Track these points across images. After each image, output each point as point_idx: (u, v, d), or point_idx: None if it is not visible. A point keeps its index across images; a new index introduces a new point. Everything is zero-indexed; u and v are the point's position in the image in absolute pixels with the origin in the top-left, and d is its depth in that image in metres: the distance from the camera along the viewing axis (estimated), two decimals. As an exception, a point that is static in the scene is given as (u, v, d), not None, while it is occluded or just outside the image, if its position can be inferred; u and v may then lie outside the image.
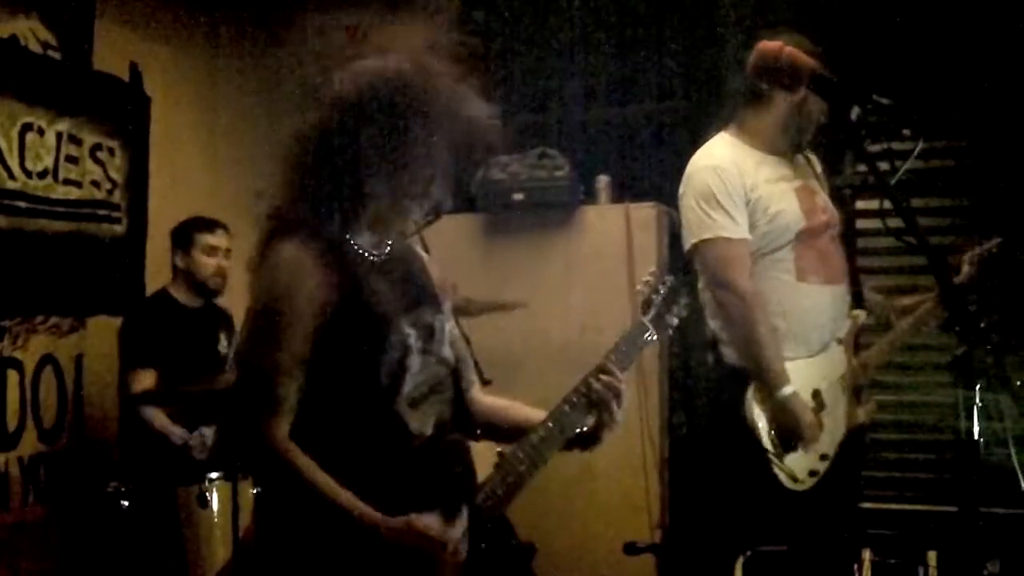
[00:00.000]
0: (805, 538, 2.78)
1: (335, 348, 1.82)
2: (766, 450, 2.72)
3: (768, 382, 2.76)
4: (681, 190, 2.95)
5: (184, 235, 3.87)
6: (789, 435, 2.76)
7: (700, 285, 2.91)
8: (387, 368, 1.84)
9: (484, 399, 2.11)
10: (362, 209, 1.88)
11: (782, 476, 2.75)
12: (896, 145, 2.14)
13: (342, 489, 1.79)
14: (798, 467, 2.77)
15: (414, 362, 1.88)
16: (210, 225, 3.87)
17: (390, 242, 1.95)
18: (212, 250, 3.84)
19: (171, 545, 3.23)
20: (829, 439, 2.83)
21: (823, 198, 2.99)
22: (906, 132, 2.09)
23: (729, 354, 2.88)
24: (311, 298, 1.81)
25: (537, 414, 2.04)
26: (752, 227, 2.84)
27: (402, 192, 1.88)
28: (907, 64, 4.00)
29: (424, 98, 1.84)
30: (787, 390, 2.75)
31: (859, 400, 2.97)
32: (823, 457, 2.82)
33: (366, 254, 1.91)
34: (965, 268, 2.98)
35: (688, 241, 2.91)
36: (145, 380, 3.66)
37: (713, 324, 2.94)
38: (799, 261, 2.86)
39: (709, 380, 2.98)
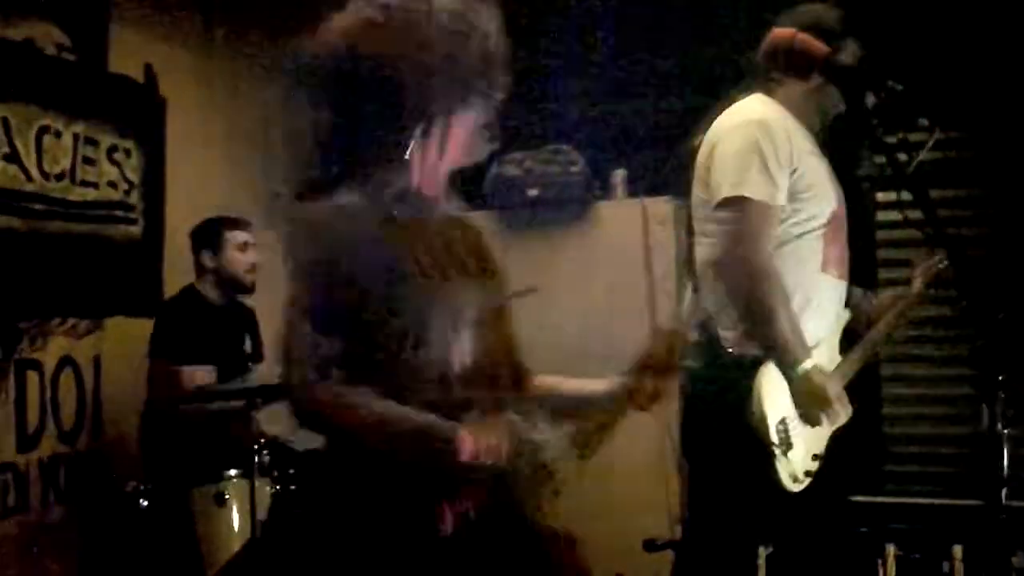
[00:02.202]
0: (799, 537, 2.64)
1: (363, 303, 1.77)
2: (771, 444, 2.50)
3: (787, 358, 2.50)
4: (709, 144, 2.63)
5: (213, 233, 3.83)
6: (815, 414, 2.54)
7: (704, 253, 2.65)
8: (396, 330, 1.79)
9: None
10: (362, 173, 1.83)
11: (783, 474, 2.54)
12: (912, 136, 2.11)
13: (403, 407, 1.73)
14: (799, 466, 2.58)
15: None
16: (238, 223, 3.86)
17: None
18: (245, 246, 3.83)
19: (189, 544, 3.24)
20: (820, 439, 2.65)
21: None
22: (923, 122, 2.06)
23: (730, 338, 2.60)
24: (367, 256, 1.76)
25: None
26: (793, 198, 2.57)
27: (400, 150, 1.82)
28: (922, 53, 3.95)
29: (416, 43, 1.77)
30: (808, 363, 2.51)
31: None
32: (815, 457, 2.64)
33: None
34: (916, 283, 2.84)
35: (716, 194, 2.56)
36: (200, 379, 3.59)
37: (711, 301, 2.64)
38: (826, 250, 2.64)
39: (701, 364, 2.73)
